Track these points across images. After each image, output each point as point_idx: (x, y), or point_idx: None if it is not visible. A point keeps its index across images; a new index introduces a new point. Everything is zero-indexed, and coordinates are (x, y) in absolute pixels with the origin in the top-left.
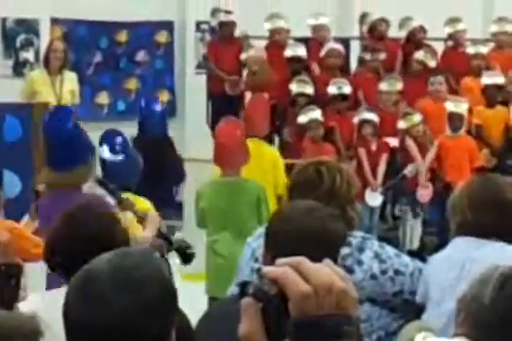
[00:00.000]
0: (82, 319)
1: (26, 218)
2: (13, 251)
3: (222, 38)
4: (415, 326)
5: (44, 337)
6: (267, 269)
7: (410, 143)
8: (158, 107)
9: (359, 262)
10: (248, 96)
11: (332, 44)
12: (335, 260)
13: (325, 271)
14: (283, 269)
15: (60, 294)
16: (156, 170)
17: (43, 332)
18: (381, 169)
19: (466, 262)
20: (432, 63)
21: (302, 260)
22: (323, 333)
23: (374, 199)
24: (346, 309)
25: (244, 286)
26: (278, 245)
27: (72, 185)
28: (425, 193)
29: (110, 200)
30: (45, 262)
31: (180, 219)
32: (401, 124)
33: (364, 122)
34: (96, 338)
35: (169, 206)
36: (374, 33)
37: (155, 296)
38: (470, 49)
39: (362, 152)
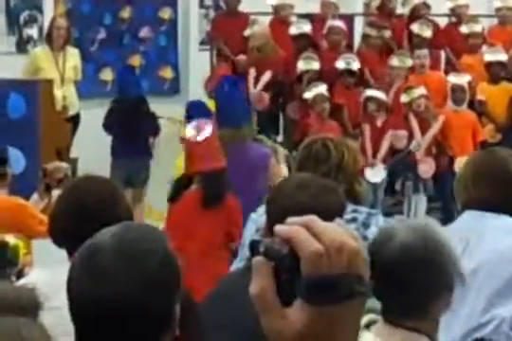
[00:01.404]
0: (85, 292)
1: (34, 196)
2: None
3: (227, 14)
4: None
5: (43, 310)
6: (279, 227)
7: (411, 119)
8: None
9: (365, 238)
10: (252, 72)
11: (333, 22)
12: None
13: (337, 230)
14: (295, 228)
15: (62, 268)
16: (135, 124)
17: (42, 304)
18: (385, 145)
19: (471, 238)
20: (428, 33)
21: (314, 219)
22: (335, 293)
23: (376, 175)
24: (357, 269)
25: (254, 246)
26: (272, 219)
27: (241, 139)
28: (426, 169)
29: None
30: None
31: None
32: (403, 98)
33: (369, 99)
34: (99, 311)
35: (145, 153)
36: (384, 10)
37: (159, 270)
38: (464, 28)
39: (366, 127)
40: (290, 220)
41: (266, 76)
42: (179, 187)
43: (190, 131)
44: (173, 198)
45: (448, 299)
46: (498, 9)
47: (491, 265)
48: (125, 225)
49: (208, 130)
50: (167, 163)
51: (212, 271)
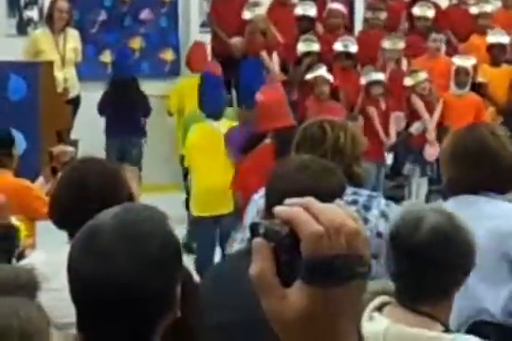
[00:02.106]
0: (85, 273)
1: (40, 179)
2: (8, 213)
3: None
4: (375, 288)
5: (41, 289)
6: (279, 209)
7: (416, 100)
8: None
9: (366, 221)
10: (265, 54)
11: (332, 5)
12: None
13: (337, 211)
14: (294, 209)
15: (63, 250)
16: (126, 104)
17: (40, 284)
18: (393, 127)
19: None
20: (430, 13)
21: (313, 200)
22: (336, 273)
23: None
24: (358, 249)
25: (254, 227)
26: (271, 201)
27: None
28: (432, 151)
29: None
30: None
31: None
32: (407, 81)
33: (373, 83)
34: (99, 292)
35: (138, 132)
36: None
37: (159, 252)
38: (474, 9)
39: (373, 110)
40: (289, 201)
41: (275, 58)
42: (254, 140)
43: (260, 94)
44: (246, 150)
45: (462, 284)
46: None
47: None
48: (127, 207)
49: (278, 92)
50: (157, 141)
51: None
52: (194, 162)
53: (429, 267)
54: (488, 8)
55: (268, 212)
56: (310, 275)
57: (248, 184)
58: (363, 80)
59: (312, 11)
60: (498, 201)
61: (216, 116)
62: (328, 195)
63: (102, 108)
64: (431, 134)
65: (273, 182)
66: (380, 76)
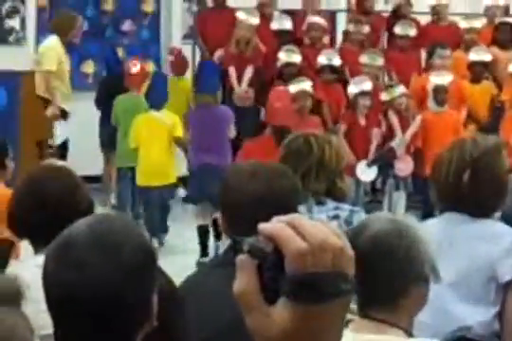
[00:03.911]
0: (60, 283)
1: None
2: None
3: (214, 8)
4: None
5: (25, 299)
6: (263, 226)
7: (391, 116)
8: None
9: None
10: (232, 70)
11: (312, 18)
12: None
13: (322, 228)
14: (279, 226)
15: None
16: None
17: (24, 293)
18: (374, 143)
19: (443, 241)
20: (411, 32)
21: (299, 218)
22: (320, 291)
23: (367, 174)
24: (342, 267)
25: (237, 244)
26: (228, 214)
27: (216, 102)
28: (403, 167)
29: None
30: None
31: None
32: (384, 96)
33: (362, 94)
34: (73, 301)
35: None
36: (361, 8)
37: (134, 260)
38: (463, 23)
39: (353, 126)
40: (275, 219)
41: (249, 72)
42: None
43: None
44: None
45: (424, 294)
46: (487, 8)
47: (462, 272)
48: (100, 217)
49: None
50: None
51: None
52: (140, 144)
53: (375, 275)
54: (478, 23)
55: (228, 225)
56: (294, 292)
57: None
58: (353, 90)
59: (288, 25)
60: (489, 221)
61: (160, 105)
62: (283, 199)
63: (98, 101)
64: (401, 150)
65: (226, 194)
66: (369, 86)
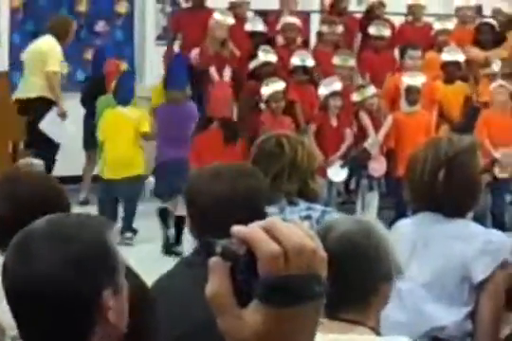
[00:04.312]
0: (12, 276)
1: None
2: None
3: (191, 8)
4: None
5: None
6: (237, 228)
7: (363, 116)
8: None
9: None
10: (213, 70)
11: (288, 18)
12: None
13: (296, 231)
14: (252, 228)
15: None
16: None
17: None
18: (346, 144)
19: (418, 241)
20: (386, 33)
21: (274, 221)
22: (293, 293)
23: (338, 174)
24: (316, 269)
25: (210, 246)
26: (195, 218)
27: (185, 99)
28: (376, 167)
29: None
30: None
31: None
32: (355, 96)
33: (333, 94)
34: (22, 295)
35: None
36: (336, 8)
37: (84, 255)
38: (437, 24)
39: (326, 126)
40: (251, 224)
41: (227, 71)
42: (206, 122)
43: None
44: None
45: (387, 293)
46: (458, 9)
47: (436, 272)
48: (64, 214)
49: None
50: None
51: None
52: (107, 138)
53: (346, 276)
54: (450, 25)
55: (196, 229)
56: (266, 295)
57: (202, 158)
58: (324, 91)
59: (260, 26)
60: (463, 221)
61: (127, 102)
62: (249, 198)
63: (84, 100)
64: (375, 151)
65: (191, 196)
66: (340, 87)
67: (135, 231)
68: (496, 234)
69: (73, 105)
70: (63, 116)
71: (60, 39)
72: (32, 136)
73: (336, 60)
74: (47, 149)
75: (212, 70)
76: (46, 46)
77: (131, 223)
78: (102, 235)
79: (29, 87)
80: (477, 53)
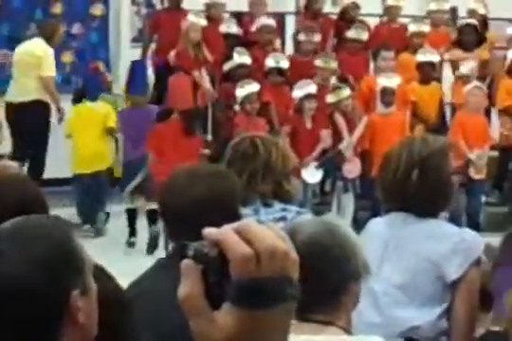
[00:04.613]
0: None
1: None
2: None
3: (167, 10)
4: None
5: None
6: (208, 230)
7: (338, 118)
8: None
9: None
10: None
11: (263, 20)
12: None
13: (268, 233)
14: (223, 231)
15: None
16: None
17: None
18: (321, 145)
19: (390, 241)
20: (364, 36)
21: (246, 223)
22: (265, 296)
23: (313, 176)
24: (288, 271)
25: (182, 248)
26: (169, 220)
27: (146, 103)
28: (350, 168)
29: None
30: None
31: None
32: (330, 98)
33: (308, 97)
34: None
35: None
36: (311, 9)
37: (50, 253)
38: (412, 27)
39: (301, 127)
40: (223, 226)
41: (205, 74)
42: (166, 113)
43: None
44: (158, 120)
45: (357, 292)
46: (431, 12)
47: (410, 272)
48: (29, 215)
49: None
50: None
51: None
52: (75, 132)
53: (310, 277)
54: (426, 28)
55: (170, 228)
56: (238, 297)
57: (160, 147)
58: (298, 93)
59: (234, 28)
60: (435, 220)
61: (95, 97)
62: (224, 200)
63: (75, 99)
64: (349, 152)
65: (166, 198)
66: (314, 89)
67: (104, 221)
68: (468, 233)
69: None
70: (61, 119)
71: (48, 42)
72: (23, 140)
73: (318, 62)
74: (38, 151)
75: (196, 74)
76: (41, 51)
77: (97, 214)
78: (68, 236)
79: (22, 90)
80: (459, 55)
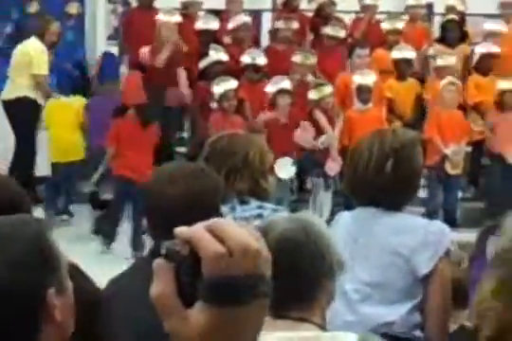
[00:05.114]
0: None
1: None
2: None
3: (139, 8)
4: None
5: None
6: (179, 229)
7: (319, 115)
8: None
9: None
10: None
11: (240, 17)
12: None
13: (240, 231)
14: (195, 229)
15: None
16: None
17: None
18: (303, 134)
19: (359, 236)
20: (342, 34)
21: (219, 221)
22: (237, 293)
23: (286, 172)
24: (260, 269)
25: (157, 246)
26: (154, 220)
27: (117, 91)
28: (332, 166)
29: None
30: None
31: None
32: (312, 94)
33: (281, 92)
34: None
35: None
36: (289, 6)
37: (24, 251)
38: (386, 24)
39: (277, 123)
40: (196, 225)
41: (183, 73)
42: (121, 109)
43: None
44: (116, 115)
45: (331, 289)
46: (409, 7)
47: (380, 267)
48: (3, 216)
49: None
50: None
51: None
52: (51, 124)
53: (283, 273)
54: (400, 25)
55: (151, 227)
56: (211, 295)
57: (118, 142)
58: (271, 89)
59: (213, 25)
60: (401, 214)
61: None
62: (205, 199)
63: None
64: (335, 150)
65: (148, 197)
66: (288, 84)
67: (71, 214)
68: (435, 225)
69: None
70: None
71: (41, 39)
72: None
73: (296, 58)
74: (25, 148)
75: (180, 70)
76: (32, 50)
77: (69, 205)
78: (42, 234)
79: (16, 88)
80: (444, 50)
